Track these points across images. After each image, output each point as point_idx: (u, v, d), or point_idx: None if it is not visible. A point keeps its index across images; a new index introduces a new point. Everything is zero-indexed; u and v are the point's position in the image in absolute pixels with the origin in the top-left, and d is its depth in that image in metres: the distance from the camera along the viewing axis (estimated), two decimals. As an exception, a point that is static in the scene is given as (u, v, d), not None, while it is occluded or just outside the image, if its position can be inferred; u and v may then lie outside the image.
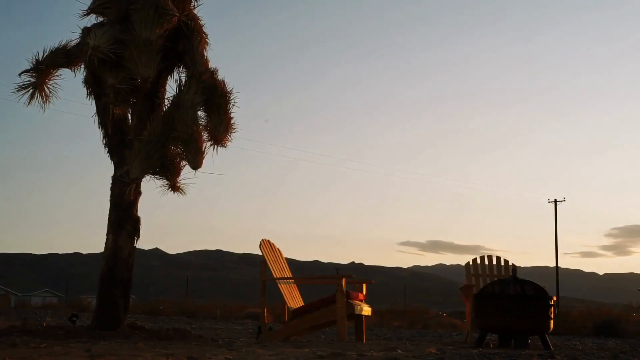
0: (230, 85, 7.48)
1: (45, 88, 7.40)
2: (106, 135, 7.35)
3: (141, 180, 7.29)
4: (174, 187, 7.61)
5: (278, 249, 7.37)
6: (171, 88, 7.50)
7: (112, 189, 7.22)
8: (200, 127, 7.24)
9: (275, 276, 7.04)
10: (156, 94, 7.53)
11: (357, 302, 6.92)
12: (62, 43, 7.44)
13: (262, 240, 7.12)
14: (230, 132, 7.43)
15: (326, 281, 8.08)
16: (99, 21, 7.43)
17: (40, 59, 7.34)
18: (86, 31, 7.22)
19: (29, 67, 7.33)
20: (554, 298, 6.94)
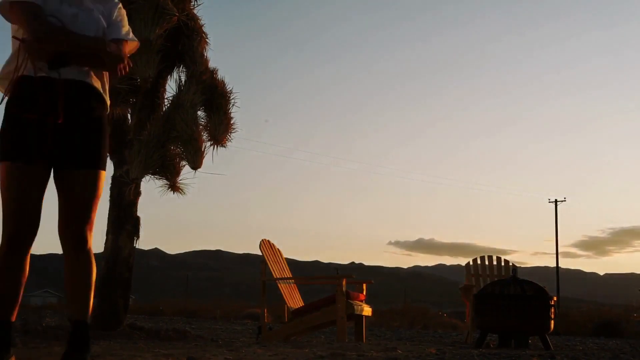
0: (230, 85, 7.48)
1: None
2: (106, 135, 7.34)
3: (141, 180, 7.28)
4: (174, 187, 7.60)
5: (278, 249, 7.36)
6: (171, 88, 7.49)
7: (111, 189, 7.22)
8: (200, 127, 7.23)
9: (275, 276, 7.03)
10: (156, 93, 7.52)
11: (357, 302, 6.92)
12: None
13: (262, 240, 7.12)
14: (230, 132, 7.42)
15: (326, 281, 8.07)
16: (98, 21, 7.41)
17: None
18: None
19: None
20: (554, 298, 6.93)
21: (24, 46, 3.02)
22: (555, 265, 40.79)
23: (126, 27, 3.35)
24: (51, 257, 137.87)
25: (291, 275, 7.39)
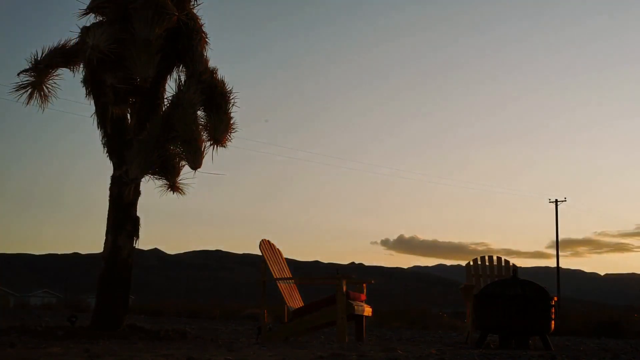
0: (230, 85, 7.48)
1: (44, 88, 7.37)
2: (105, 135, 7.32)
3: (140, 181, 7.27)
4: (174, 187, 7.59)
5: (278, 249, 7.35)
6: (171, 88, 7.48)
7: (111, 189, 7.20)
8: (200, 127, 7.22)
9: (275, 276, 7.02)
10: (156, 93, 7.50)
11: (357, 302, 6.90)
12: (61, 42, 7.41)
13: (262, 240, 7.11)
14: (230, 132, 7.42)
15: (326, 281, 8.06)
16: (98, 20, 7.40)
17: (39, 58, 7.30)
18: (85, 30, 7.19)
19: (27, 67, 7.30)
20: (555, 298, 6.92)
21: None
22: (555, 265, 40.80)
23: None
24: (50, 257, 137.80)
25: (291, 275, 7.38)
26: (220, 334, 8.63)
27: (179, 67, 7.52)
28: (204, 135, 7.25)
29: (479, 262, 7.95)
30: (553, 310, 6.67)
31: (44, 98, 7.39)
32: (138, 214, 7.27)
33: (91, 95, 7.38)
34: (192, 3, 7.54)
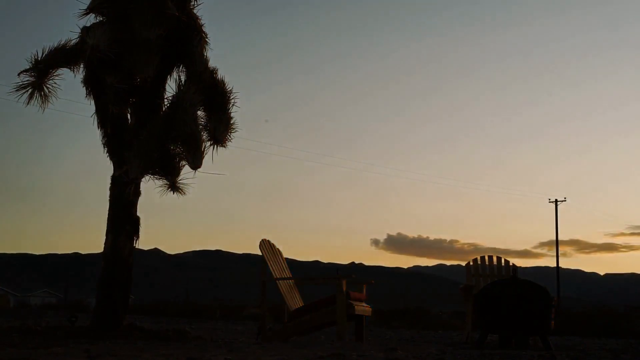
0: (230, 85, 7.48)
1: (45, 88, 7.36)
2: (105, 135, 7.32)
3: (140, 180, 7.27)
4: (174, 187, 7.59)
5: (278, 249, 7.35)
6: (171, 88, 7.48)
7: (111, 189, 7.20)
8: (200, 126, 7.22)
9: (275, 276, 7.02)
10: (156, 93, 7.50)
11: (357, 302, 6.90)
12: (62, 42, 7.40)
13: (262, 240, 7.10)
14: (230, 132, 7.42)
15: (326, 281, 8.06)
16: (98, 20, 7.39)
17: (39, 58, 7.30)
18: (85, 31, 7.18)
19: (28, 67, 7.29)
20: (555, 298, 6.92)
21: None
22: (549, 264, 40.77)
23: None
24: (50, 257, 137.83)
25: (291, 275, 7.38)
26: (220, 334, 8.63)
27: (179, 67, 7.52)
28: (204, 135, 7.25)
29: (479, 262, 7.95)
30: (553, 310, 6.67)
31: (44, 98, 7.37)
32: (138, 214, 7.27)
33: (91, 95, 7.38)
34: (192, 3, 7.53)
